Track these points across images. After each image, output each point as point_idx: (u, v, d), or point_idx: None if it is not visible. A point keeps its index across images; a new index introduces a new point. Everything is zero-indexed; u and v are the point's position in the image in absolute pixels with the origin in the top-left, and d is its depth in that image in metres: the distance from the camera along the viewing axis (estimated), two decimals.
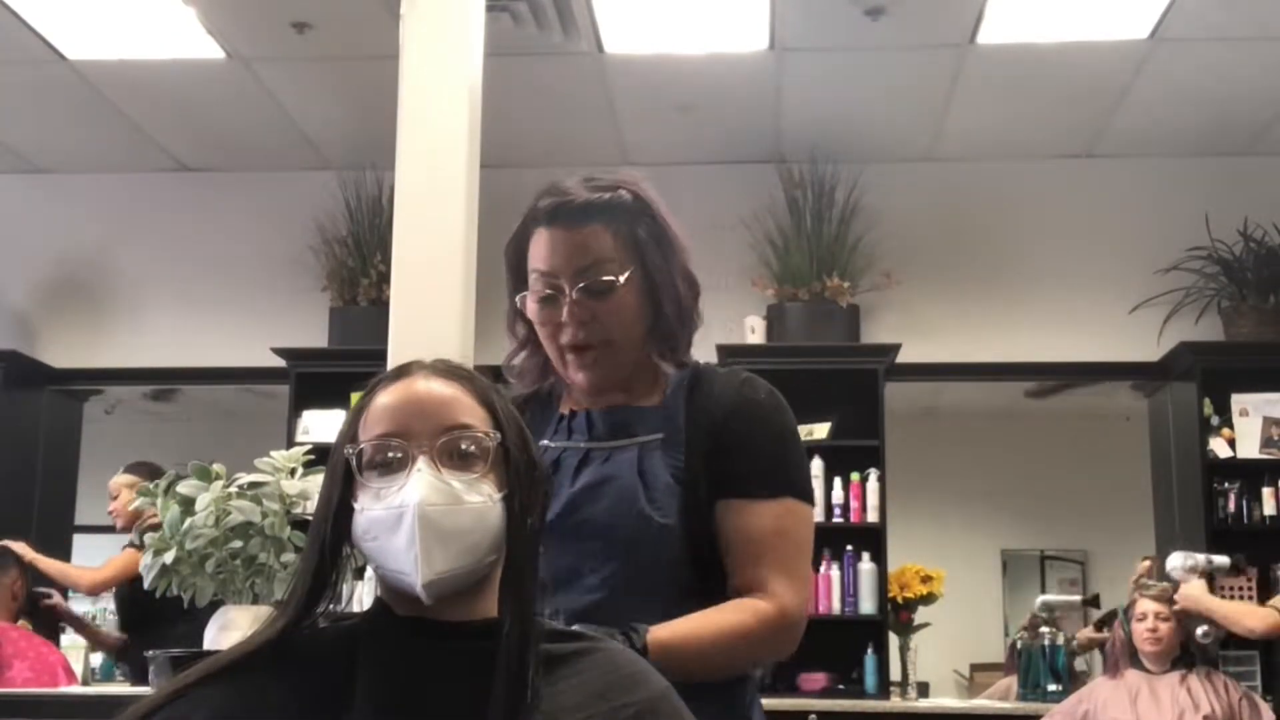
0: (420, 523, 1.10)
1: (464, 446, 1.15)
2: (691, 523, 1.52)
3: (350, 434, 1.18)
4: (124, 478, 4.71)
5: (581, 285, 1.55)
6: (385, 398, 1.18)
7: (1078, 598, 5.93)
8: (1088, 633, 5.29)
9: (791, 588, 1.53)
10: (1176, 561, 4.06)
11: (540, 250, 1.58)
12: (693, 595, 1.51)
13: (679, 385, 1.61)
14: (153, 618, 3.94)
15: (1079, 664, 5.29)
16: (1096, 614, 5.36)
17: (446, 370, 1.21)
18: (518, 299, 1.62)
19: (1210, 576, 4.19)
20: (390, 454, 1.14)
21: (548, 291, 1.57)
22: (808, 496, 1.58)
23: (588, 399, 1.64)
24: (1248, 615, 4.00)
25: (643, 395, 1.62)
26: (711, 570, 1.53)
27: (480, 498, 1.14)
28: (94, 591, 4.75)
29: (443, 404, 1.17)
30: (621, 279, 1.56)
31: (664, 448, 1.56)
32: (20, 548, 4.57)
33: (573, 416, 1.63)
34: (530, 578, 1.16)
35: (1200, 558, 4.09)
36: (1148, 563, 5.15)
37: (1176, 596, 4.01)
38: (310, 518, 1.22)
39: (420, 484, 1.12)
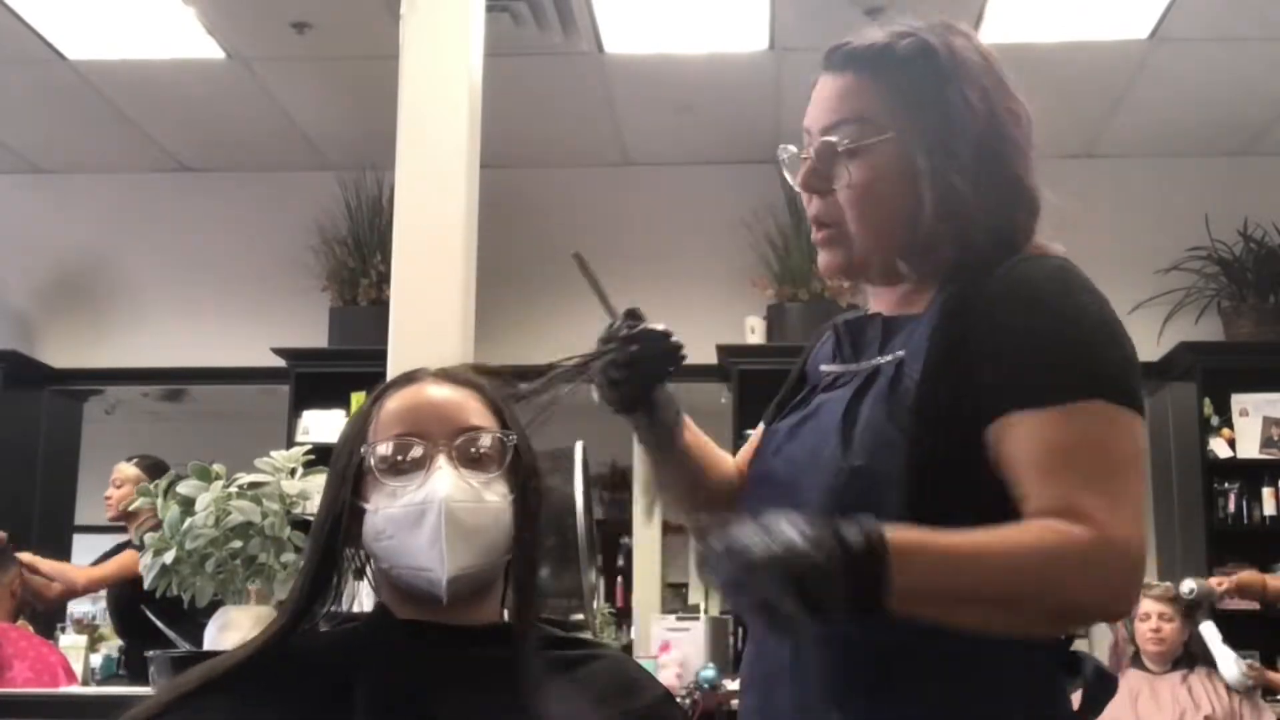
0: (447, 518, 1.10)
1: (480, 448, 1.16)
2: (909, 461, 1.10)
3: (359, 437, 1.17)
4: (132, 470, 4.68)
5: (819, 144, 1.25)
6: (396, 402, 1.18)
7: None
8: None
9: (1112, 507, 1.06)
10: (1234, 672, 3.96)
11: (811, 100, 1.31)
12: None
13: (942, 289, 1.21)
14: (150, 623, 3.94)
15: None
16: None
17: (453, 376, 1.21)
18: (784, 160, 1.32)
19: (1208, 603, 4.12)
20: (409, 453, 1.14)
21: (805, 145, 1.28)
22: (1125, 397, 1.10)
23: (873, 302, 1.32)
24: None
25: (915, 301, 1.25)
26: (945, 522, 1.04)
27: (497, 498, 1.15)
28: (90, 588, 4.73)
29: (456, 407, 1.17)
30: (853, 145, 1.22)
31: (895, 370, 1.18)
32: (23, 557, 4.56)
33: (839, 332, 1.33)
34: (534, 582, 1.16)
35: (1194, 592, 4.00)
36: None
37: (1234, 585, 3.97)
38: (310, 518, 1.22)
39: (445, 480, 1.12)
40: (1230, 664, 3.88)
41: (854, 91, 1.25)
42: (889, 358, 1.21)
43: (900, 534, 1.00)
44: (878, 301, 1.31)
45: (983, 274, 1.18)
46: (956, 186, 1.20)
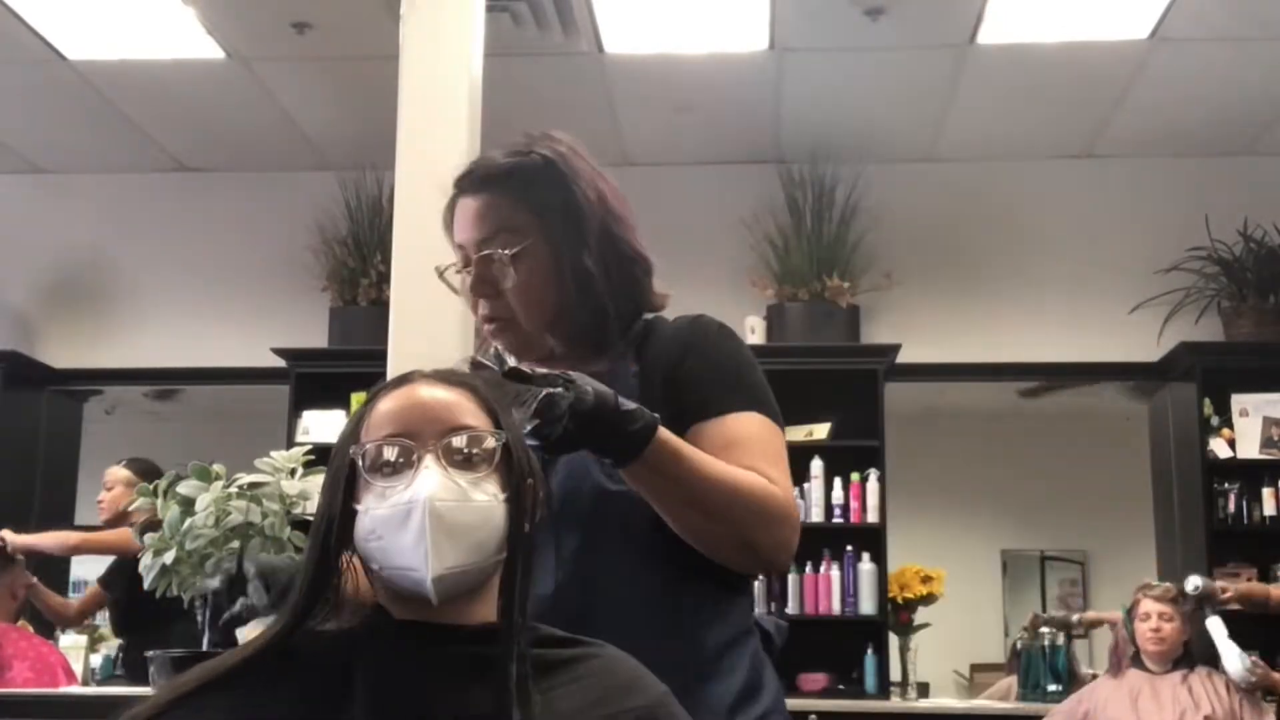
0: (430, 517, 1.10)
1: (469, 447, 1.15)
2: None
3: (352, 439, 1.18)
4: (122, 472, 4.68)
5: (480, 256, 1.50)
6: (388, 403, 1.18)
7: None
8: (1092, 614, 5.29)
9: (785, 482, 1.45)
10: (1236, 666, 3.91)
11: (455, 221, 1.55)
12: (666, 560, 1.43)
13: (628, 344, 1.53)
14: (149, 619, 3.95)
15: (1079, 665, 5.28)
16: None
17: (447, 377, 1.21)
18: (442, 271, 1.56)
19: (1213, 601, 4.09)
20: (396, 454, 1.14)
21: (463, 259, 1.53)
22: (772, 413, 1.50)
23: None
24: None
25: (587, 359, 1.50)
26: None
27: (486, 497, 1.14)
28: (78, 549, 4.72)
29: (446, 407, 1.17)
30: (512, 252, 1.48)
31: None
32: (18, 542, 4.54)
33: None
34: (528, 581, 1.16)
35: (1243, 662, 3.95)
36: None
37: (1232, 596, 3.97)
38: (310, 518, 1.22)
39: (429, 480, 1.12)
40: (1235, 659, 3.88)
41: (495, 207, 1.51)
42: None
43: (671, 437, 1.36)
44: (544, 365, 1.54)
45: (647, 334, 1.53)
46: (588, 267, 1.50)
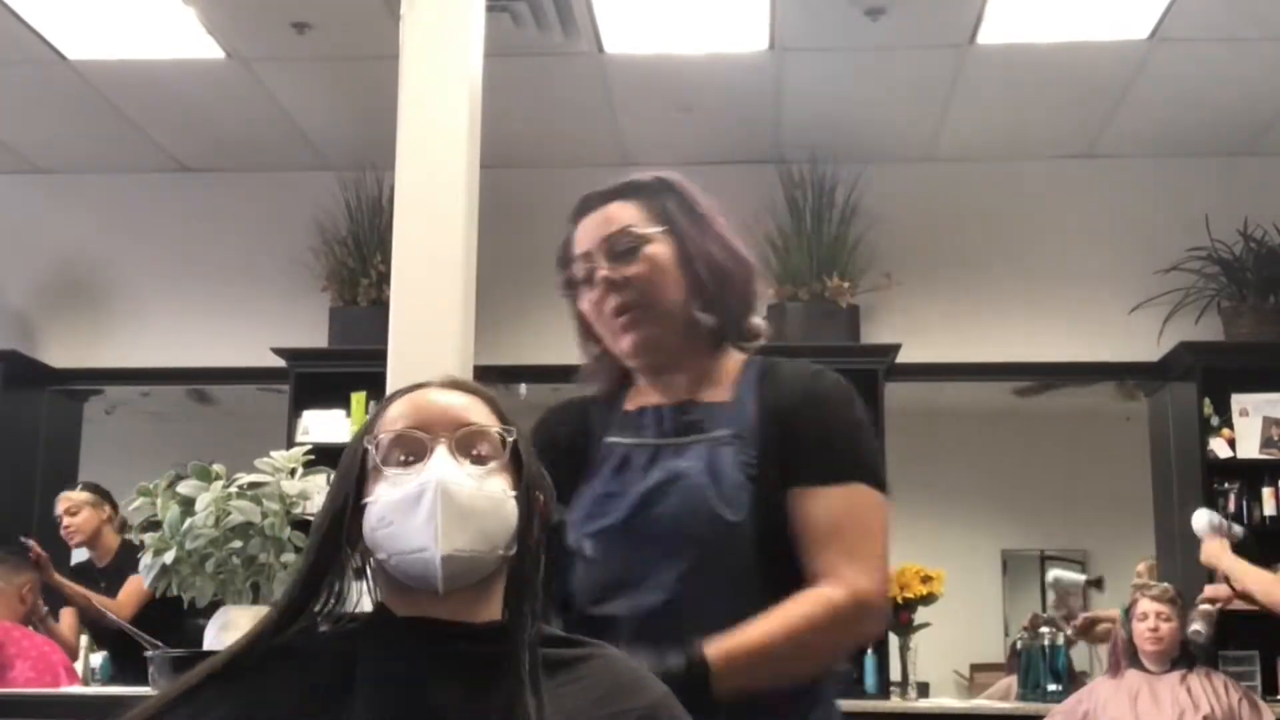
0: (442, 497, 1.12)
1: (479, 444, 1.19)
2: (761, 519, 1.49)
3: (364, 435, 1.21)
4: (84, 495, 4.74)
5: (607, 250, 1.59)
6: (401, 404, 1.22)
7: (1082, 577, 5.83)
8: (1089, 614, 5.28)
9: (863, 570, 1.49)
10: (1202, 521, 3.83)
11: (576, 240, 1.63)
12: (764, 594, 1.47)
13: (749, 380, 1.60)
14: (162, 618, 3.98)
15: (1079, 664, 5.28)
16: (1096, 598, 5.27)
17: (457, 384, 1.25)
18: (565, 296, 1.65)
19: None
20: (410, 445, 1.17)
21: (587, 269, 1.60)
22: (880, 483, 1.55)
23: (651, 383, 1.63)
24: (1275, 585, 3.66)
25: (711, 389, 1.61)
26: (784, 567, 1.49)
27: (496, 490, 1.17)
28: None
29: (460, 408, 1.21)
30: (646, 232, 1.59)
31: (735, 444, 1.53)
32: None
33: (641, 413, 1.62)
34: (535, 581, 1.17)
35: (1220, 520, 3.87)
36: (1145, 564, 5.14)
37: (1202, 556, 3.78)
38: (310, 518, 1.23)
39: (442, 464, 1.15)
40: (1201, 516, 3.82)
41: (620, 212, 1.61)
42: (721, 433, 1.55)
43: (713, 651, 1.39)
44: (659, 393, 1.62)
45: (766, 373, 1.60)
46: (717, 257, 1.63)
